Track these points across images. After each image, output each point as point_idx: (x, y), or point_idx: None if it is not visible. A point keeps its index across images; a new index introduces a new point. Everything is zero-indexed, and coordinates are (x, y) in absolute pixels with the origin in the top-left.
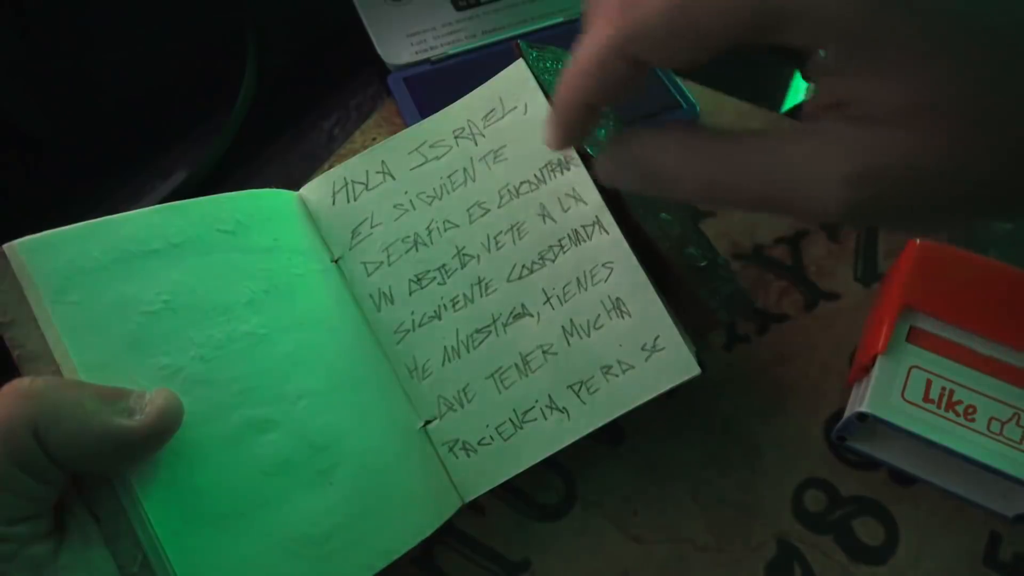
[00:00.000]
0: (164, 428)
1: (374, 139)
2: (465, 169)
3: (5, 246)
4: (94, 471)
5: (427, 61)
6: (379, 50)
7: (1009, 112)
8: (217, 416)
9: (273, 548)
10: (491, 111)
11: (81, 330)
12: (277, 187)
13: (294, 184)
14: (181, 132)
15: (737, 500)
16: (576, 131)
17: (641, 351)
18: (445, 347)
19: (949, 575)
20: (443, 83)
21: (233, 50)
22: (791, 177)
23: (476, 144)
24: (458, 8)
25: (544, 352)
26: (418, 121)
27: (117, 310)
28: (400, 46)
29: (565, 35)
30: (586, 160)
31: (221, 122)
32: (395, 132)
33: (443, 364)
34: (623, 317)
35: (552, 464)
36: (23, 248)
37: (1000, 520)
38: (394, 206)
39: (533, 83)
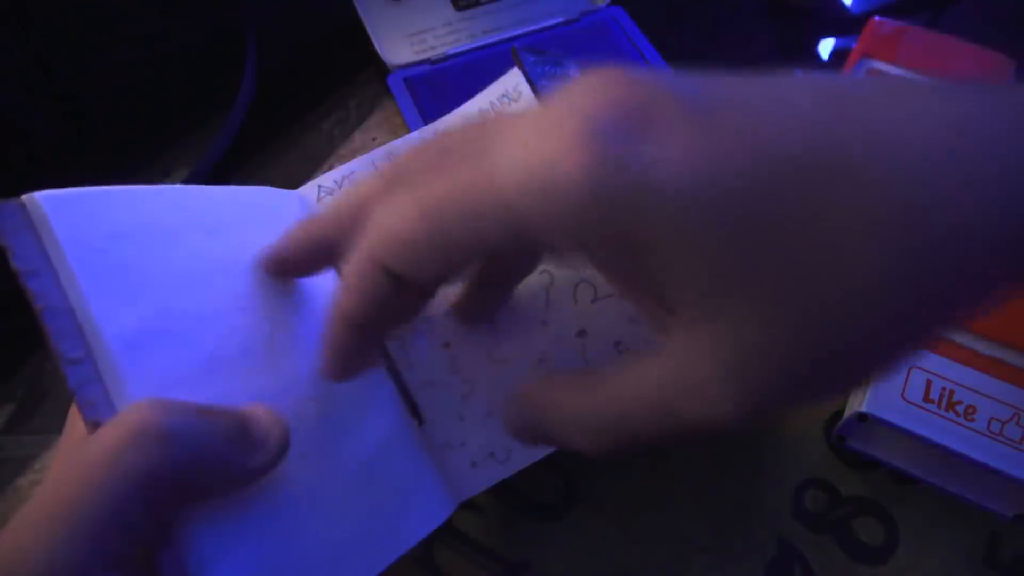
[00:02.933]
0: (278, 463)
1: (374, 139)
2: None
3: (25, 197)
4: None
5: (427, 61)
6: (379, 50)
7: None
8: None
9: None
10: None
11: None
12: (277, 187)
13: (293, 184)
14: (181, 132)
15: (737, 500)
16: (352, 356)
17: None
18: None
19: (949, 575)
20: (443, 83)
21: (233, 50)
22: (679, 405)
23: None
24: (458, 8)
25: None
26: (418, 121)
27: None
28: (400, 46)
29: (565, 35)
30: None
31: (221, 122)
32: (395, 132)
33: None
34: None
35: (552, 464)
36: (46, 201)
37: (1000, 520)
38: None
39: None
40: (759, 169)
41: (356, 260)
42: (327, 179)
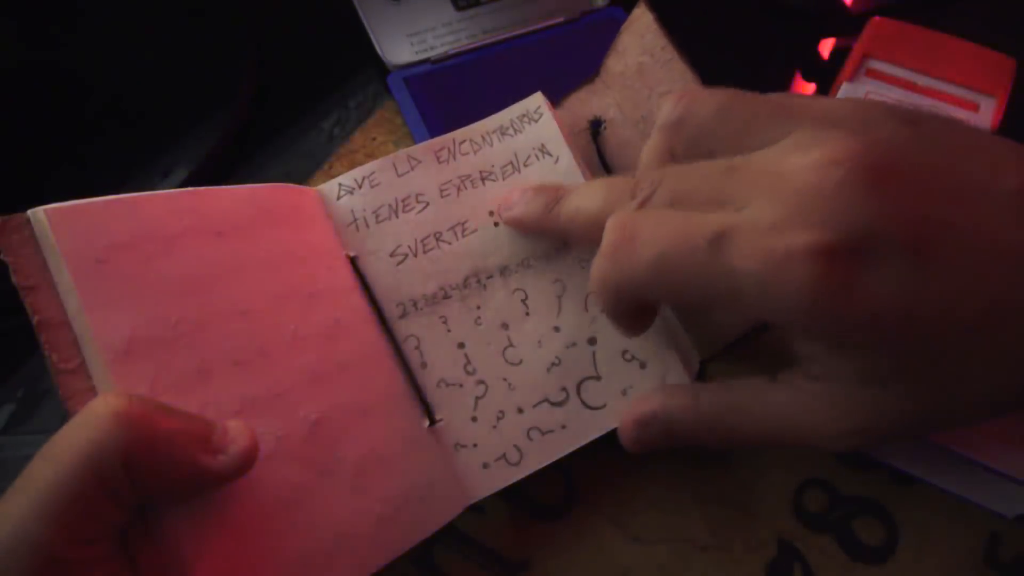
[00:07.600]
0: (242, 470)
1: (374, 139)
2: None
3: (30, 212)
4: (162, 503)
5: (427, 61)
6: (379, 50)
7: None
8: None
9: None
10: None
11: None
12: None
13: (294, 183)
14: (181, 132)
15: (737, 500)
16: (625, 328)
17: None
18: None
19: (949, 575)
20: (443, 83)
21: (233, 50)
22: (792, 429)
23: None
24: (458, 8)
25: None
26: (418, 121)
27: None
28: (400, 46)
29: (565, 35)
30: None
31: (221, 122)
32: (395, 132)
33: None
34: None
35: (552, 464)
36: (49, 216)
37: (1000, 520)
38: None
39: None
40: (941, 326)
41: (598, 278)
42: (348, 178)
